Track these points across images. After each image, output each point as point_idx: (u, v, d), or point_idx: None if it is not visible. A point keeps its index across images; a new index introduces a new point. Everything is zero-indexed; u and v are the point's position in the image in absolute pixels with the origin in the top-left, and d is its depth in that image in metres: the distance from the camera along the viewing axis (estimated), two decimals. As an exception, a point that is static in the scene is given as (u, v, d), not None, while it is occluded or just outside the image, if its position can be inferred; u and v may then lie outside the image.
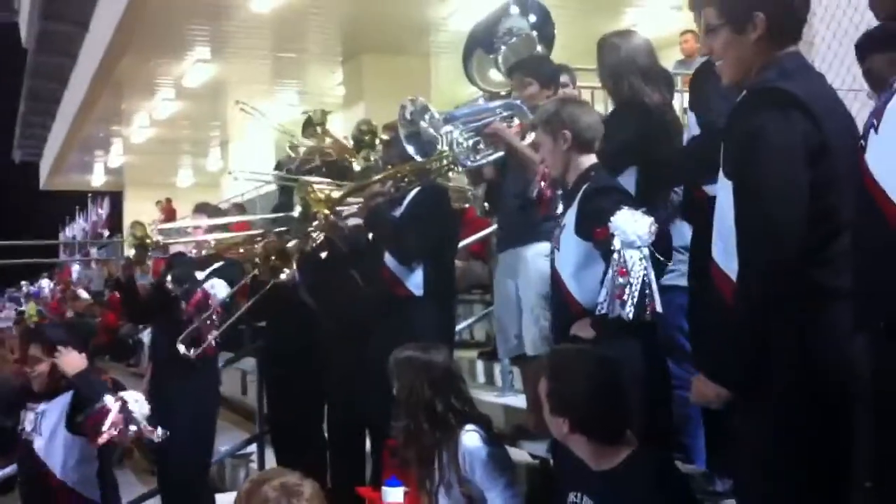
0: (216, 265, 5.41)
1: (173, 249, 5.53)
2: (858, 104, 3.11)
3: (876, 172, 1.90)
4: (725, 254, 2.36)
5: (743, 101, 2.40)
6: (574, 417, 2.79)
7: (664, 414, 3.35)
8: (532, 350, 4.14)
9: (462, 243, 6.38)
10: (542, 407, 2.92)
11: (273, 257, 4.99)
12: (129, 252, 5.17)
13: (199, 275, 5.33)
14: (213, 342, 5.18)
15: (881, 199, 1.88)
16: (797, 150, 2.24)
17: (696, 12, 3.40)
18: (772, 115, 2.26)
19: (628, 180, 3.65)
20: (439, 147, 4.16)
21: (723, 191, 2.40)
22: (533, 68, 4.46)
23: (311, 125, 6.38)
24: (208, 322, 5.18)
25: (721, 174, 2.41)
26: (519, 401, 5.19)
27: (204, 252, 5.49)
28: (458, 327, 6.33)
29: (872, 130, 1.94)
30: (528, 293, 4.16)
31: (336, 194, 4.54)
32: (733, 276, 2.31)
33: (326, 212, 4.46)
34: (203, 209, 6.05)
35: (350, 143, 6.18)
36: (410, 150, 4.17)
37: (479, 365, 6.36)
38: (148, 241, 5.20)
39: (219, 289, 5.26)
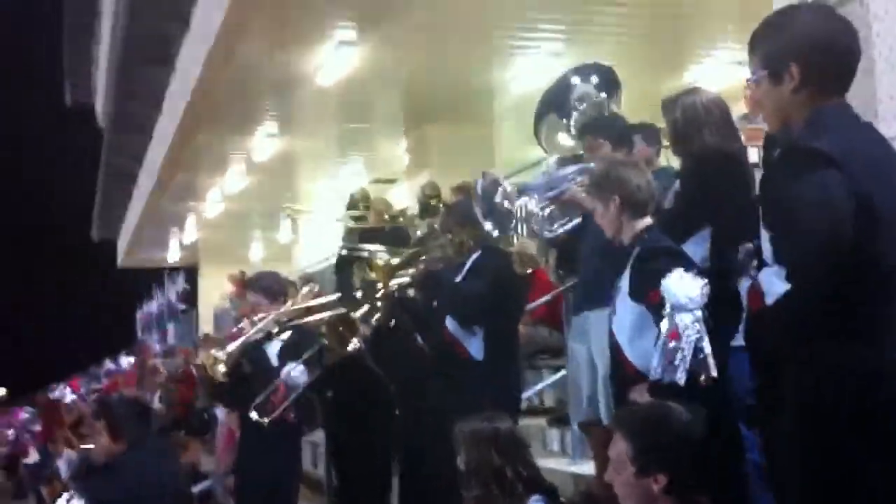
0: (285, 338, 5.47)
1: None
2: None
3: None
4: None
5: (779, 160, 2.37)
6: (671, 473, 2.66)
7: (736, 479, 3.25)
8: (606, 417, 4.08)
9: (530, 306, 6.36)
10: (614, 473, 2.83)
11: (340, 328, 5.04)
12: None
13: (272, 351, 5.39)
14: (292, 416, 5.26)
15: None
16: (834, 213, 2.20)
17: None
18: (805, 178, 2.22)
19: (698, 243, 3.60)
20: (515, 220, 4.15)
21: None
22: (604, 128, 4.44)
23: (355, 204, 6.48)
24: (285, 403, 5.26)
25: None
26: (590, 469, 5.10)
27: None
28: (527, 393, 6.27)
29: None
30: (602, 358, 4.10)
31: (395, 261, 4.58)
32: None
33: (384, 281, 4.50)
34: (253, 286, 5.99)
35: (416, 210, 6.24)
36: (488, 226, 4.17)
37: (550, 432, 6.26)
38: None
39: (297, 376, 5.31)
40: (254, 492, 5.30)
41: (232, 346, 5.43)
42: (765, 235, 2.37)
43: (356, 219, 6.86)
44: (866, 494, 2.19)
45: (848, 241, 2.19)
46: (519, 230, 4.24)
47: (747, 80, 2.54)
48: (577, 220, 4.14)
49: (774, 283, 2.28)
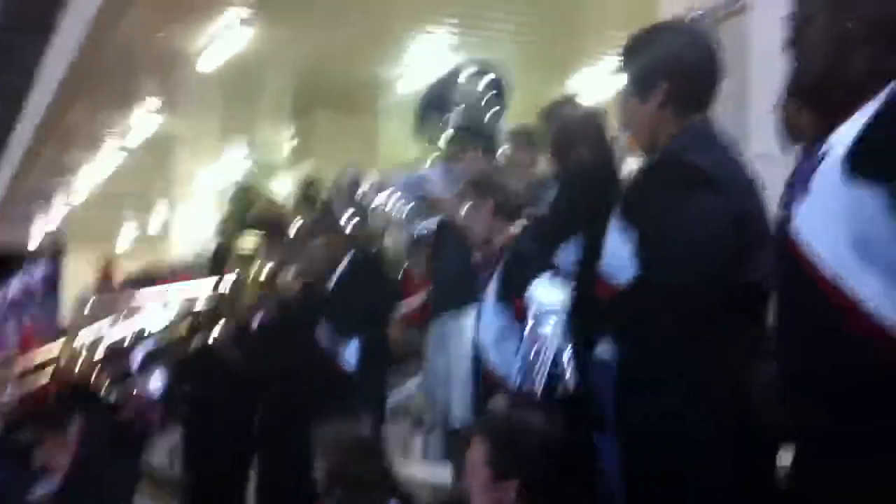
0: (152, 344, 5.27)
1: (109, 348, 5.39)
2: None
3: (804, 241, 1.84)
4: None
5: (652, 171, 2.41)
6: (525, 479, 2.60)
7: (590, 489, 3.23)
8: (459, 422, 4.02)
9: (400, 311, 6.28)
10: (471, 478, 2.75)
11: (203, 319, 4.91)
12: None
13: (136, 356, 5.19)
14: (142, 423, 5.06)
15: (809, 268, 1.81)
16: (714, 233, 2.25)
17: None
18: (685, 196, 2.26)
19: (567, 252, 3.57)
20: (376, 214, 4.11)
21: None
22: (473, 135, 4.41)
23: (241, 196, 6.33)
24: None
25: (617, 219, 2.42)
26: (447, 473, 5.04)
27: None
28: (392, 398, 6.19)
29: (800, 197, 1.87)
30: (458, 364, 4.05)
31: (263, 275, 4.45)
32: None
33: (255, 291, 4.40)
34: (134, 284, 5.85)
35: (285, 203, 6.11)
36: (345, 217, 4.12)
37: (412, 437, 6.19)
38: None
39: (155, 383, 5.13)
40: (86, 494, 5.05)
41: (90, 341, 5.20)
42: (619, 233, 2.39)
43: (239, 210, 6.69)
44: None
45: (721, 265, 2.24)
46: (380, 226, 4.21)
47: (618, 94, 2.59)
48: (436, 220, 4.11)
49: (626, 270, 2.33)
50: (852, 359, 1.74)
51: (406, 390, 6.70)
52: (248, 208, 6.30)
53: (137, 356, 5.21)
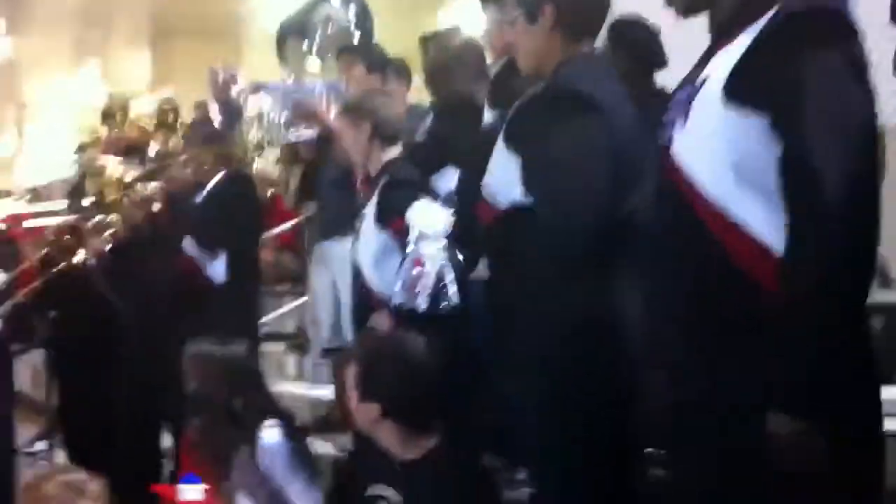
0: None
1: None
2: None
3: (684, 166, 1.90)
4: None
5: (540, 99, 2.41)
6: (386, 401, 2.73)
7: (466, 405, 3.36)
8: (346, 343, 4.08)
9: (272, 232, 6.26)
10: (349, 397, 2.86)
11: (67, 236, 4.75)
12: None
13: None
14: None
15: (689, 192, 1.88)
16: (597, 163, 2.28)
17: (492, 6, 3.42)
18: (573, 123, 2.29)
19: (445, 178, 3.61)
20: (247, 115, 4.07)
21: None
22: (361, 51, 4.41)
23: (111, 115, 6.14)
24: None
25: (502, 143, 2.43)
26: (328, 393, 5.13)
27: None
28: (267, 318, 6.20)
29: (679, 124, 1.93)
30: (346, 286, 4.09)
31: (129, 177, 4.34)
32: None
33: (119, 195, 4.27)
34: None
35: (148, 125, 5.97)
36: (214, 112, 4.06)
37: (288, 358, 6.23)
38: None
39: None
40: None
41: None
42: (502, 152, 2.43)
43: (110, 129, 6.46)
44: (599, 420, 2.34)
45: (602, 197, 2.28)
46: (250, 129, 4.17)
47: (499, 21, 2.56)
48: (312, 132, 4.09)
49: (511, 193, 2.36)
50: (731, 284, 1.82)
51: (281, 311, 6.73)
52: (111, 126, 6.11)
53: None
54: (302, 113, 4.11)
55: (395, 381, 2.74)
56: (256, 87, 4.08)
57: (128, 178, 4.35)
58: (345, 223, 4.14)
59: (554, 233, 2.29)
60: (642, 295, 2.25)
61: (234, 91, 4.02)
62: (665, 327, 2.00)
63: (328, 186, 4.28)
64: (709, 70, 1.91)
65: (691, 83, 1.96)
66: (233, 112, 4.06)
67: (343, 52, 4.50)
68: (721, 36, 1.91)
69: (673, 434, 2.10)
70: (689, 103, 1.91)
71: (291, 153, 4.57)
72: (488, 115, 3.38)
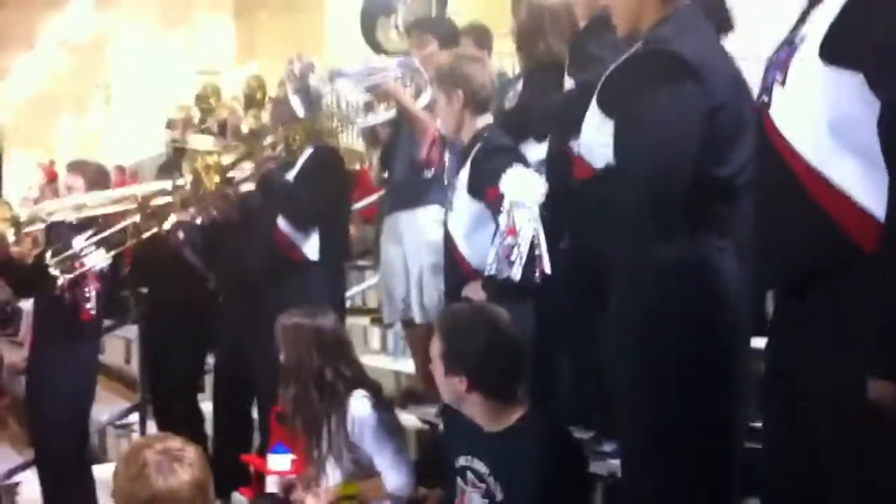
0: (97, 230, 5.15)
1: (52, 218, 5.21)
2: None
3: (783, 128, 1.88)
4: None
5: (637, 60, 2.36)
6: (471, 375, 2.73)
7: (554, 376, 3.35)
8: (419, 317, 4.09)
9: (355, 206, 6.31)
10: (434, 370, 2.86)
11: (154, 204, 4.83)
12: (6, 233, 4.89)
13: (79, 240, 5.06)
14: (91, 310, 4.97)
15: (788, 154, 1.85)
16: (688, 125, 2.24)
17: None
18: (665, 88, 2.24)
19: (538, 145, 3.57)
20: (326, 103, 4.07)
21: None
22: (432, 26, 4.39)
23: (204, 98, 6.22)
24: (86, 292, 4.94)
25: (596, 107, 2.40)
26: (412, 366, 5.16)
27: (82, 216, 5.20)
28: (350, 293, 6.25)
29: (777, 85, 1.91)
30: (415, 259, 4.11)
31: (226, 161, 4.38)
32: None
33: (217, 180, 4.32)
34: (78, 168, 5.67)
35: (241, 101, 6.02)
36: (295, 104, 4.07)
37: (372, 331, 6.29)
38: (17, 219, 4.93)
39: (93, 258, 5.00)
40: (44, 390, 5.05)
41: (29, 215, 5.03)
42: (595, 116, 2.39)
43: (204, 112, 6.57)
44: (697, 387, 2.27)
45: (692, 160, 2.23)
46: (332, 115, 4.18)
47: None
48: (391, 114, 4.09)
49: (605, 155, 2.34)
50: (832, 246, 1.79)
51: (364, 284, 6.80)
52: (205, 109, 6.20)
53: (81, 240, 5.05)
54: (379, 95, 4.10)
55: (481, 354, 2.73)
56: (334, 74, 4.07)
57: (226, 161, 4.35)
58: (412, 196, 4.18)
59: (640, 194, 2.26)
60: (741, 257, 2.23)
61: (312, 80, 4.02)
62: (765, 289, 1.97)
63: (399, 159, 4.29)
64: (806, 29, 1.88)
65: (789, 43, 1.92)
66: (311, 101, 4.06)
67: (413, 27, 4.48)
68: None
69: (767, 405, 2.07)
70: (788, 63, 1.89)
71: (372, 135, 4.57)
72: (568, 83, 3.33)
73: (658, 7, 2.38)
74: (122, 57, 15.88)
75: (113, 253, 5.00)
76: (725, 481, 2.34)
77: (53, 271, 4.80)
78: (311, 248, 4.27)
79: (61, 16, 14.34)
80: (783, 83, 1.88)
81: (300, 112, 4.11)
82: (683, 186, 2.23)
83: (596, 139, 2.36)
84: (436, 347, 2.83)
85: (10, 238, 4.86)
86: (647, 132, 2.24)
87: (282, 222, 4.28)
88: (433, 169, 3.94)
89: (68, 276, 4.83)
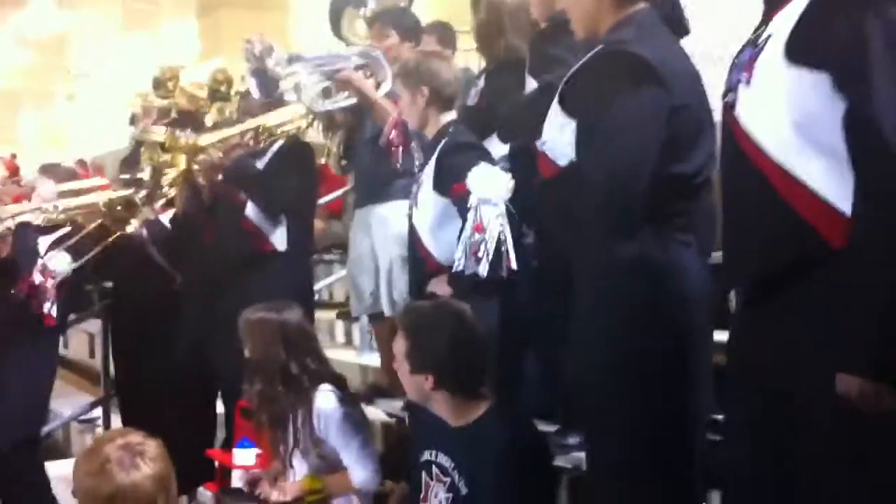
0: (63, 232, 5.09)
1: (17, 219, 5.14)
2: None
3: (749, 127, 1.90)
4: None
5: (597, 61, 2.37)
6: (437, 373, 2.75)
7: (518, 371, 3.37)
8: (388, 310, 4.10)
9: (321, 200, 6.29)
10: (398, 368, 2.87)
11: (119, 207, 4.78)
12: None
13: (44, 241, 5.00)
14: (52, 316, 4.91)
15: (754, 153, 1.88)
16: (649, 126, 2.26)
17: None
18: (629, 91, 2.25)
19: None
20: (282, 86, 4.06)
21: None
22: (393, 19, 4.39)
23: (162, 84, 6.17)
24: (47, 297, 4.87)
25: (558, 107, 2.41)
26: (376, 360, 5.16)
27: (49, 218, 5.14)
28: (317, 286, 6.25)
29: (742, 85, 1.93)
30: (385, 252, 4.11)
31: (202, 143, 4.35)
32: None
33: (188, 158, 4.29)
34: (49, 171, 5.63)
35: (202, 93, 5.98)
36: (252, 86, 4.07)
37: (338, 325, 6.29)
38: None
39: (58, 263, 4.93)
40: (3, 389, 4.98)
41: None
42: (558, 116, 2.41)
43: (162, 98, 6.49)
44: (660, 380, 2.29)
45: (654, 159, 2.25)
46: (287, 98, 4.17)
47: None
48: (350, 101, 4.08)
49: (568, 154, 2.35)
50: (799, 240, 1.83)
51: (330, 278, 6.79)
52: (163, 96, 6.14)
53: (42, 239, 4.99)
54: (338, 82, 4.08)
55: (446, 352, 2.75)
56: (292, 59, 4.04)
57: (199, 143, 4.31)
58: (382, 189, 4.17)
59: (603, 192, 2.27)
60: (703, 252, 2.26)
61: (270, 63, 3.99)
62: (733, 286, 2.00)
63: (364, 152, 4.28)
64: (770, 29, 1.90)
65: (753, 44, 1.95)
66: (269, 83, 4.04)
67: (374, 19, 4.48)
68: None
69: (732, 400, 2.10)
70: (752, 64, 1.92)
71: (329, 121, 4.55)
72: (530, 83, 3.34)
73: (614, 11, 2.40)
74: (85, 53, 15.73)
75: (79, 262, 4.95)
76: (689, 473, 2.37)
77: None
78: (279, 238, 4.26)
79: (22, 12, 14.18)
80: (748, 83, 1.91)
81: (256, 94, 4.09)
82: (645, 184, 2.24)
83: (559, 139, 2.38)
84: (400, 346, 2.84)
85: None
86: (609, 132, 2.26)
87: (251, 212, 4.26)
88: (399, 151, 3.91)
89: (31, 281, 4.78)
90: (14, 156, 18.82)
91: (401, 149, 3.66)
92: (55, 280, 4.83)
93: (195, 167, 4.33)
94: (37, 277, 4.79)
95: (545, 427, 3.44)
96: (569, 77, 2.43)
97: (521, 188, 3.07)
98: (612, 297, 2.33)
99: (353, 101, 4.09)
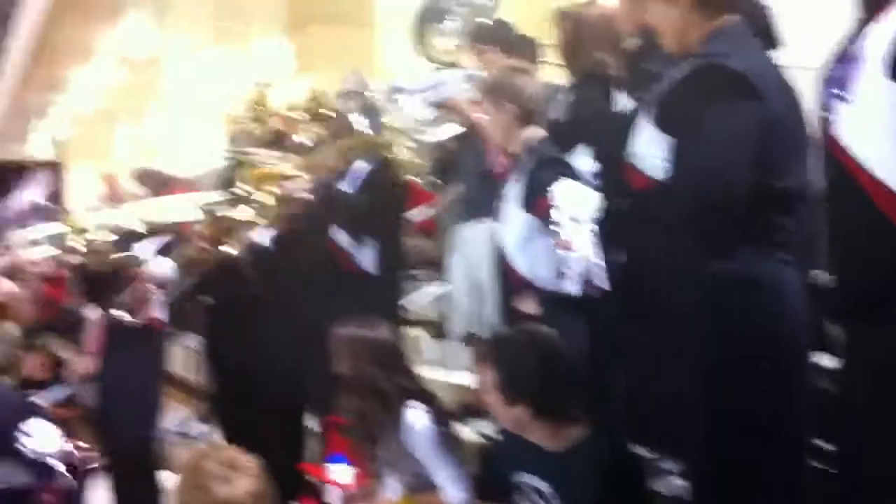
0: (167, 239, 5.28)
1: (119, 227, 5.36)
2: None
3: (851, 145, 1.86)
4: None
5: (690, 75, 2.34)
6: (532, 403, 2.72)
7: (610, 391, 3.33)
8: (484, 329, 4.09)
9: (410, 218, 6.32)
10: (488, 400, 2.85)
11: (216, 223, 4.92)
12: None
13: (150, 246, 5.19)
14: (157, 318, 5.09)
15: (857, 171, 1.84)
16: (745, 140, 2.23)
17: None
18: (725, 106, 2.23)
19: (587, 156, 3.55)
20: (389, 120, 4.09)
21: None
22: (493, 35, 4.37)
23: (254, 106, 6.28)
24: (149, 298, 5.06)
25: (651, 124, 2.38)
26: (467, 379, 5.14)
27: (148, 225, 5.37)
28: (406, 303, 6.26)
29: (840, 101, 1.88)
30: (481, 272, 4.10)
31: (285, 170, 4.43)
32: None
33: (274, 188, 4.37)
34: (145, 176, 5.82)
35: (298, 116, 6.06)
36: (357, 121, 4.09)
37: (427, 342, 6.28)
38: (84, 229, 5.09)
39: (160, 267, 5.12)
40: (114, 397, 5.16)
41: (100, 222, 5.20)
42: (650, 132, 2.38)
43: (254, 121, 6.63)
44: (760, 404, 2.25)
45: (750, 172, 2.22)
46: (392, 131, 4.19)
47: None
48: (457, 128, 4.09)
49: (657, 171, 2.33)
50: None
51: (421, 297, 6.79)
52: (259, 122, 6.24)
53: (148, 248, 5.19)
54: (445, 109, 4.10)
55: (539, 383, 2.73)
56: (395, 90, 4.08)
57: (288, 172, 4.42)
58: (481, 207, 4.13)
59: (699, 207, 2.25)
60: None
61: (371, 96, 4.04)
62: (841, 310, 1.94)
63: (465, 171, 4.28)
64: (865, 45, 1.86)
65: (847, 59, 1.91)
66: (373, 117, 4.07)
67: (475, 35, 4.46)
68: (872, 8, 1.86)
69: (841, 431, 2.04)
70: (850, 80, 1.87)
71: (436, 148, 4.57)
72: (620, 98, 3.30)
73: (702, 23, 2.38)
74: (178, 71, 16.11)
75: (177, 263, 5.12)
76: (791, 496, 2.32)
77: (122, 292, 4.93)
78: (367, 259, 4.29)
79: (117, 31, 14.61)
80: (848, 100, 1.86)
81: (365, 129, 4.12)
82: (741, 199, 2.21)
83: (651, 152, 2.36)
84: (488, 377, 2.82)
85: (81, 247, 5.01)
86: (705, 146, 2.23)
87: (337, 234, 4.31)
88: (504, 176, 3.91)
89: (135, 282, 4.97)
90: (113, 174, 19.39)
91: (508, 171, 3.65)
92: (157, 282, 5.02)
93: (285, 187, 4.40)
94: (140, 280, 4.99)
95: (641, 451, 3.39)
96: (661, 92, 2.40)
97: (613, 203, 3.04)
98: (706, 314, 2.29)
99: (461, 129, 4.09)
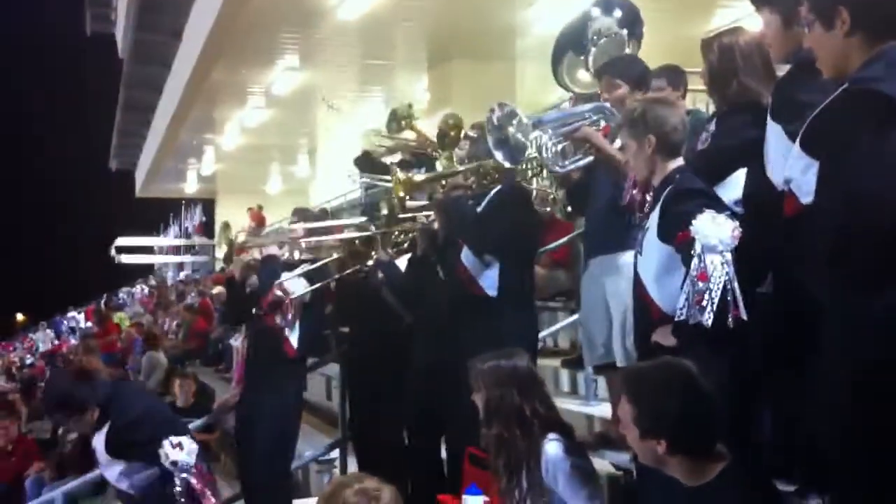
0: (307, 267, 5.45)
1: (265, 251, 5.56)
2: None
3: None
4: None
5: (841, 100, 2.28)
6: (670, 438, 2.67)
7: (755, 426, 3.22)
8: (621, 361, 4.04)
9: (545, 248, 6.32)
10: (626, 433, 2.80)
11: (356, 242, 5.07)
12: (221, 251, 5.32)
13: (286, 275, 5.36)
14: (294, 344, 5.25)
15: None
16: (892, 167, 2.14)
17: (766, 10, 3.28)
18: (877, 131, 2.15)
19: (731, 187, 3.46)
20: (528, 153, 4.11)
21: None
22: (622, 69, 4.34)
23: (396, 119, 6.37)
24: (287, 320, 5.22)
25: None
26: (602, 410, 5.08)
27: (295, 254, 5.58)
28: (542, 334, 6.25)
29: None
30: (619, 302, 4.04)
31: (418, 179, 4.54)
32: None
33: (402, 194, 4.48)
34: (301, 214, 6.12)
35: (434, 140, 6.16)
36: (499, 156, 4.11)
37: (563, 373, 6.25)
38: (233, 242, 5.34)
39: (295, 286, 5.28)
40: (252, 425, 5.32)
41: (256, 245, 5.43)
42: (801, 157, 2.32)
43: (393, 132, 6.75)
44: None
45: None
46: (530, 163, 4.21)
47: (802, 23, 2.48)
48: (588, 159, 4.07)
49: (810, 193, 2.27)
50: None
51: (554, 326, 6.77)
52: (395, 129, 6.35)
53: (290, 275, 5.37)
54: (575, 140, 4.10)
55: (677, 416, 2.66)
56: (535, 123, 4.10)
57: (416, 179, 4.52)
58: (616, 239, 4.09)
59: (840, 236, 2.18)
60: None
61: (511, 130, 4.07)
62: None
63: (599, 202, 4.25)
64: None
65: None
66: (515, 151, 4.10)
67: (604, 70, 4.44)
68: None
69: None
70: None
71: (564, 176, 4.58)
72: (773, 127, 3.20)
73: (864, 49, 2.32)
74: (324, 111, 16.61)
75: (315, 286, 5.28)
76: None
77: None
78: (489, 281, 4.32)
79: (269, 72, 15.20)
80: None
81: (506, 163, 4.16)
82: (891, 229, 2.11)
83: (803, 178, 2.31)
84: (626, 410, 2.78)
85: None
86: (853, 172, 2.17)
87: (465, 256, 4.36)
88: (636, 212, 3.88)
89: (271, 302, 5.14)
90: (260, 207, 20.13)
91: (642, 203, 3.61)
92: (292, 300, 5.18)
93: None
94: (275, 296, 5.17)
95: (783, 487, 3.27)
96: (812, 117, 2.34)
97: (762, 231, 2.97)
98: (861, 349, 2.20)
99: (591, 158, 4.09)
